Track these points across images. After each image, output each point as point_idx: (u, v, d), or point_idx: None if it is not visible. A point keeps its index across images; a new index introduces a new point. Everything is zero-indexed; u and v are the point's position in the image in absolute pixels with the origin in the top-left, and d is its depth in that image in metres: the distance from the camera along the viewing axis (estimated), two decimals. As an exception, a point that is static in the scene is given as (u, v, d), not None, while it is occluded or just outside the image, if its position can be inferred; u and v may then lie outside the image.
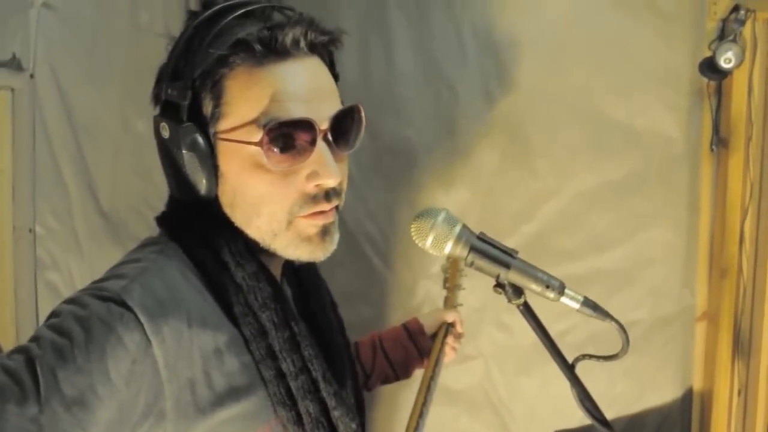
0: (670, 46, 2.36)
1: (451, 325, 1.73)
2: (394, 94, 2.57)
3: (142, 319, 0.91)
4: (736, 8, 2.24)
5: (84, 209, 2.01)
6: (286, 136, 0.98)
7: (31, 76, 1.80)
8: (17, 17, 1.76)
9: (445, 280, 1.86)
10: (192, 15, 1.04)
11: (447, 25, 2.52)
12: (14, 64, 1.75)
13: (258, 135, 0.97)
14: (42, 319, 1.80)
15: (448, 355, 1.73)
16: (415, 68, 2.56)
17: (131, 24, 2.18)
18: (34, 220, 1.84)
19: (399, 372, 1.69)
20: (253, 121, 0.98)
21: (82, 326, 0.88)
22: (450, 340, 1.72)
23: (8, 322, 1.79)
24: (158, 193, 2.23)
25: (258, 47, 0.98)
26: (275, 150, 0.98)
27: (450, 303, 1.81)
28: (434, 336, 1.71)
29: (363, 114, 1.10)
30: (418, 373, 1.69)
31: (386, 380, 1.69)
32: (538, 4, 2.44)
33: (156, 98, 1.05)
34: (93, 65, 2.03)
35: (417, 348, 1.69)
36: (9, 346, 1.77)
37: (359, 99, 2.50)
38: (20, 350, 0.87)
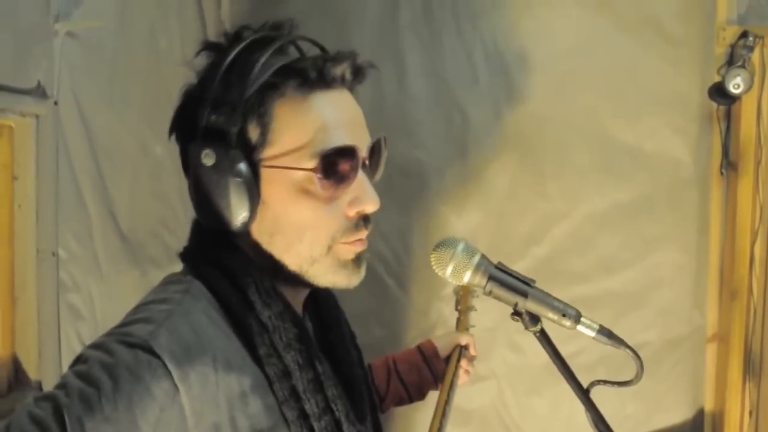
0: (679, 70, 2.39)
1: (465, 347, 1.73)
2: (407, 117, 2.61)
3: (170, 366, 0.91)
4: (744, 34, 2.28)
5: (104, 232, 2.05)
6: (333, 162, 1.00)
7: (55, 103, 1.84)
8: (42, 46, 1.80)
9: (457, 302, 1.87)
10: (212, 46, 1.06)
11: (458, 50, 2.57)
12: (39, 92, 1.79)
13: (308, 161, 0.99)
14: (64, 340, 1.85)
15: (462, 378, 1.72)
16: (427, 92, 2.60)
17: (150, 50, 2.23)
18: (57, 243, 1.87)
19: (413, 394, 1.69)
20: (303, 147, 1.00)
21: (109, 374, 0.88)
22: (464, 363, 1.72)
23: (31, 344, 1.81)
24: (175, 216, 2.28)
25: (312, 75, 1.01)
26: (323, 176, 1.00)
27: (462, 325, 1.82)
28: (448, 358, 1.71)
29: (386, 145, 1.13)
30: (432, 395, 1.70)
31: (400, 402, 1.69)
32: (548, 30, 2.48)
33: (187, 126, 1.05)
34: (114, 91, 2.07)
35: (431, 371, 1.69)
36: (32, 367, 1.81)
37: (372, 122, 2.55)
38: (47, 398, 0.88)
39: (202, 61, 1.07)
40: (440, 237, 1.16)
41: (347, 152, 1.01)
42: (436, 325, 2.60)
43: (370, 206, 1.04)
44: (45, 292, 1.84)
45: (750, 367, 2.37)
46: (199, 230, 1.11)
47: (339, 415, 1.06)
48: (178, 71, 1.08)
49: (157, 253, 2.22)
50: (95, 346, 0.94)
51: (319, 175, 1.00)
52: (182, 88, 1.07)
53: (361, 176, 1.04)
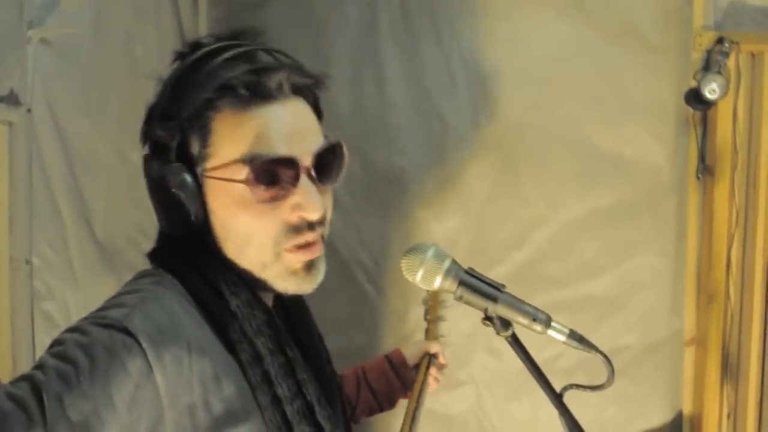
0: (657, 77, 2.41)
1: (434, 356, 1.75)
2: (386, 124, 2.62)
3: (145, 345, 0.93)
4: (720, 40, 2.30)
5: (79, 240, 2.03)
6: (270, 172, 1.02)
7: (29, 110, 1.82)
8: (15, 53, 1.78)
9: (426, 312, 1.88)
10: (179, 56, 1.08)
11: (437, 57, 2.57)
12: (12, 99, 1.77)
13: (243, 173, 1.01)
14: (39, 349, 1.83)
15: (431, 386, 1.74)
16: (407, 99, 2.61)
17: (126, 57, 2.22)
18: (31, 251, 1.86)
19: (383, 403, 1.70)
20: (238, 160, 1.02)
21: (85, 353, 0.90)
22: (433, 371, 1.73)
23: (5, 353, 1.79)
24: (153, 222, 2.25)
25: (243, 92, 1.02)
26: (260, 186, 1.02)
27: (432, 334, 1.83)
28: (417, 367, 1.72)
29: (345, 150, 1.12)
30: (404, 403, 1.71)
31: (371, 411, 1.70)
32: (527, 37, 2.50)
33: (145, 137, 1.09)
34: (89, 98, 2.05)
35: (400, 379, 1.71)
36: (6, 376, 1.78)
37: (352, 129, 2.58)
38: (25, 378, 0.89)
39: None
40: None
41: (282, 162, 1.03)
42: (415, 330, 2.60)
43: (312, 214, 1.05)
44: (19, 300, 1.82)
45: (728, 370, 2.38)
46: (165, 233, 1.14)
47: (311, 398, 1.08)
48: (155, 79, 1.09)
49: (134, 260, 2.20)
50: (71, 329, 0.96)
51: (253, 186, 1.02)
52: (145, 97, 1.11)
53: (303, 184, 1.05)
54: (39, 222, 1.88)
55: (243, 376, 1.04)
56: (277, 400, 1.05)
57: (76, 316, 1.97)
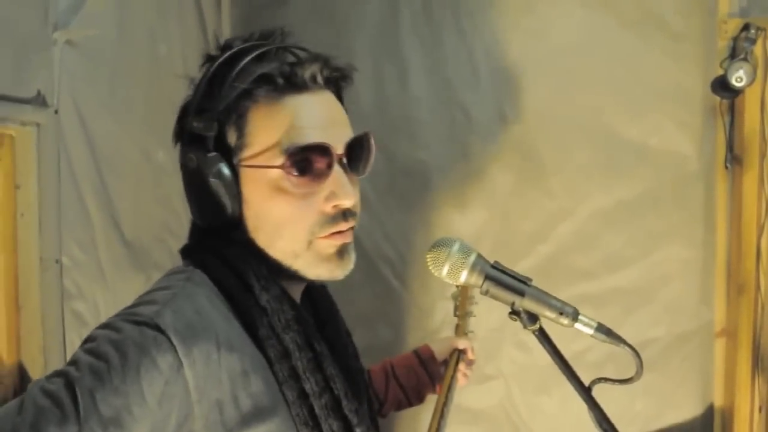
0: (681, 65, 2.39)
1: (463, 351, 1.75)
2: (409, 118, 2.62)
3: (175, 341, 0.95)
4: (746, 27, 2.27)
5: (107, 239, 2.05)
6: (306, 160, 1.05)
7: (56, 111, 1.84)
8: (41, 55, 1.80)
9: (456, 308, 1.89)
10: (210, 58, 1.12)
11: (460, 50, 2.57)
12: (39, 101, 1.79)
13: (279, 159, 1.05)
14: (69, 348, 1.85)
15: (460, 382, 1.75)
16: (429, 92, 2.61)
17: (150, 57, 2.24)
18: (60, 251, 1.88)
19: (411, 398, 1.71)
20: (274, 146, 1.05)
21: (117, 349, 0.92)
22: (462, 366, 1.74)
23: (36, 353, 1.82)
24: (179, 220, 2.28)
25: (280, 80, 1.06)
26: (295, 173, 1.05)
27: (461, 330, 1.83)
28: (446, 362, 1.73)
29: (373, 141, 1.16)
30: (433, 398, 1.71)
31: (400, 406, 1.71)
32: (549, 28, 2.48)
33: (180, 133, 1.12)
34: (114, 98, 2.07)
35: (429, 374, 1.72)
36: (38, 375, 1.81)
37: (375, 123, 2.58)
38: (59, 374, 0.92)
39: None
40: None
41: (317, 149, 1.06)
42: (441, 325, 2.60)
43: (346, 201, 1.08)
44: (49, 300, 1.84)
45: (759, 362, 2.36)
46: (197, 228, 1.17)
47: (338, 393, 1.09)
48: (179, 77, 1.12)
49: (161, 258, 2.22)
50: (103, 326, 0.99)
51: (289, 172, 1.05)
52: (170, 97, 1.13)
53: (337, 172, 1.08)
54: (68, 222, 1.90)
55: (271, 371, 1.05)
56: (304, 395, 1.06)
57: (105, 315, 1.99)
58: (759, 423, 2.38)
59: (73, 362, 0.93)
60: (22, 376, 1.81)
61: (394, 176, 2.63)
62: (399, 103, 2.63)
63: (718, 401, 2.44)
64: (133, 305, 1.02)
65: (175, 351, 0.95)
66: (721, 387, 2.44)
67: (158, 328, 0.95)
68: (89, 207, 1.99)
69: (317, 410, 1.06)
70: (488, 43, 2.55)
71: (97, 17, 1.97)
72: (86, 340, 0.97)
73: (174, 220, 2.28)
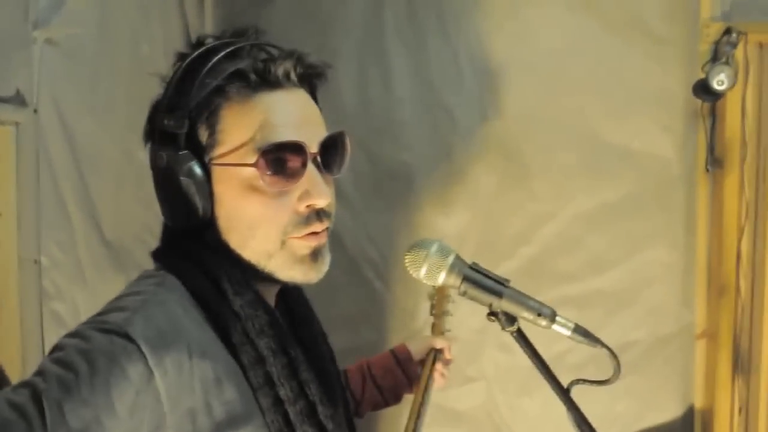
0: (664, 68, 2.39)
1: (440, 351, 1.74)
2: (393, 119, 2.61)
3: (145, 350, 0.93)
4: (728, 31, 2.28)
5: (87, 239, 2.04)
6: (279, 158, 1.04)
7: (35, 110, 1.83)
8: (20, 53, 1.79)
9: (432, 307, 1.88)
10: (183, 56, 1.10)
11: (444, 52, 2.57)
12: (18, 100, 1.78)
13: (252, 157, 1.03)
14: (48, 348, 1.83)
15: (437, 382, 1.73)
16: (413, 94, 2.60)
17: (132, 56, 2.22)
18: (39, 251, 1.87)
19: (388, 398, 1.70)
20: (247, 144, 1.03)
21: (86, 359, 0.90)
22: (439, 366, 1.73)
23: (14, 353, 1.81)
24: (160, 221, 2.27)
25: (253, 77, 1.05)
26: (269, 172, 1.03)
27: (438, 329, 1.82)
28: (423, 362, 1.72)
29: (348, 140, 1.14)
30: (410, 397, 1.70)
31: (376, 406, 1.70)
32: (533, 31, 2.48)
33: (150, 131, 1.10)
34: (95, 97, 2.06)
35: (405, 374, 1.70)
36: (15, 375, 1.80)
37: (358, 125, 2.58)
38: (25, 384, 0.89)
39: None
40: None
41: (290, 147, 1.04)
42: (424, 326, 2.58)
43: (320, 201, 1.07)
44: (28, 300, 1.83)
45: (739, 364, 2.37)
46: (169, 230, 1.15)
47: (313, 398, 1.08)
48: (152, 76, 1.11)
49: (142, 259, 2.19)
50: (71, 334, 0.96)
51: (262, 170, 1.03)
52: (147, 96, 1.13)
53: (310, 171, 1.06)
54: (47, 222, 1.89)
55: (245, 378, 1.04)
56: (279, 402, 1.05)
57: (84, 316, 1.96)
58: (739, 424, 2.39)
59: (40, 372, 0.91)
60: (-1, 377, 1.81)
61: (378, 178, 2.63)
62: (383, 104, 2.62)
63: (699, 403, 2.46)
64: (103, 312, 1.00)
65: (146, 360, 0.93)
66: (701, 389, 2.45)
67: (128, 337, 0.93)
68: (69, 207, 1.98)
69: (292, 416, 1.05)
70: (472, 45, 2.55)
71: (78, 16, 1.97)
72: (54, 349, 0.95)
73: (155, 220, 2.24)
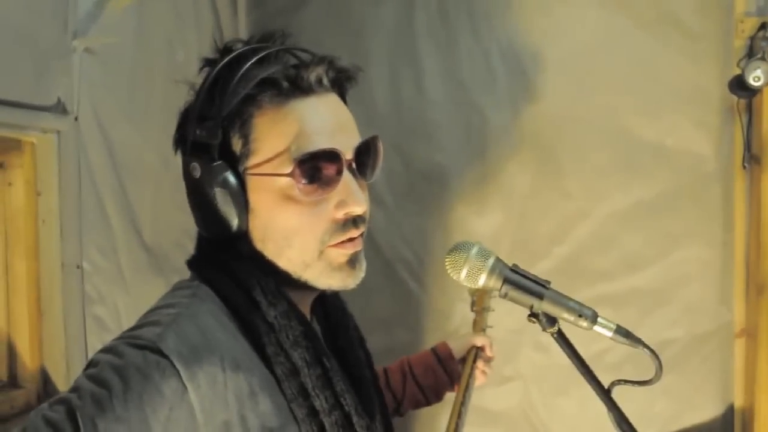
0: (698, 64, 2.38)
1: (480, 349, 1.72)
2: (425, 120, 2.62)
3: (178, 365, 0.93)
4: (763, 26, 2.25)
5: (128, 244, 2.07)
6: (315, 167, 1.02)
7: (76, 118, 1.86)
8: (61, 63, 1.82)
9: (473, 303, 1.85)
10: (210, 62, 1.09)
11: (475, 52, 2.57)
12: (59, 108, 1.81)
13: (288, 167, 1.01)
14: (91, 352, 1.87)
15: (479, 379, 1.72)
16: (445, 95, 2.61)
17: (168, 63, 2.26)
18: (81, 256, 1.90)
19: (429, 397, 1.69)
20: (282, 154, 1.02)
21: (119, 376, 0.91)
22: (480, 364, 1.71)
23: (59, 358, 1.84)
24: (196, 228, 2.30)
25: (285, 84, 1.03)
26: (305, 181, 1.02)
27: (478, 326, 1.81)
28: (464, 360, 1.70)
29: (381, 144, 1.13)
30: (451, 396, 1.70)
31: (417, 405, 1.69)
32: (565, 28, 2.48)
33: (181, 141, 1.10)
34: (133, 105, 2.10)
35: (446, 373, 1.69)
36: (60, 380, 1.83)
37: (391, 127, 2.60)
38: (61, 401, 0.90)
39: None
40: (462, 239, 1.17)
41: (326, 156, 1.03)
42: (459, 327, 2.61)
43: (357, 208, 1.05)
44: (71, 305, 1.86)
45: (779, 363, 2.34)
46: (203, 238, 1.14)
47: (349, 409, 1.07)
48: (187, 84, 1.11)
49: (181, 263, 2.21)
50: (105, 350, 0.97)
51: (299, 180, 1.01)
52: (181, 103, 1.11)
53: (346, 178, 1.05)
54: (88, 228, 1.92)
55: (279, 389, 1.03)
56: (314, 413, 1.04)
57: (126, 320, 2.02)
58: (780, 423, 2.36)
59: (75, 389, 0.92)
60: (44, 381, 1.84)
61: (411, 179, 2.64)
62: (415, 106, 2.63)
63: (739, 402, 2.43)
64: (137, 326, 1.00)
65: (179, 376, 0.93)
66: (741, 388, 2.42)
67: (161, 353, 0.93)
68: (109, 213, 2.01)
69: (327, 427, 1.04)
70: (504, 44, 2.55)
71: (115, 25, 1.99)
72: (89, 365, 0.96)
73: (193, 225, 2.28)
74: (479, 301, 1.84)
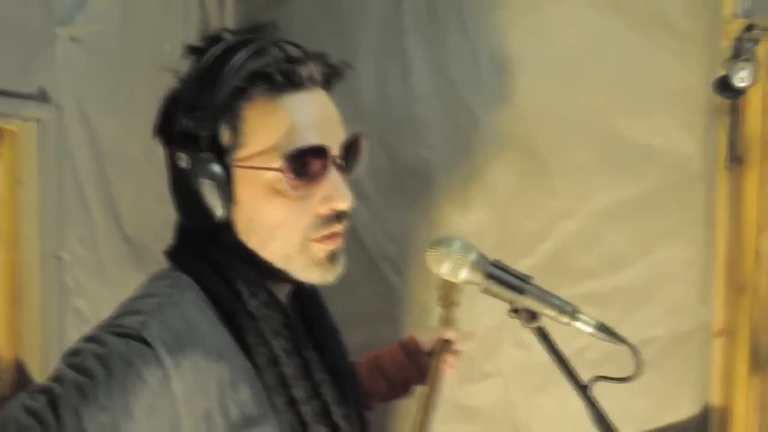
0: (685, 65, 2.38)
1: (448, 342, 1.71)
2: (412, 116, 2.61)
3: (162, 354, 0.94)
4: (749, 27, 2.26)
5: (109, 236, 2.05)
6: (303, 162, 1.04)
7: (58, 107, 1.84)
8: (44, 51, 1.81)
9: (440, 297, 1.86)
10: (195, 50, 1.09)
11: (464, 48, 2.57)
12: (41, 97, 1.80)
13: (277, 161, 1.03)
14: (68, 344, 1.84)
15: (446, 373, 1.71)
16: (433, 91, 2.60)
17: (154, 54, 2.24)
18: (61, 247, 1.88)
19: (398, 391, 1.69)
20: (272, 148, 1.03)
21: (102, 364, 0.91)
22: (448, 357, 1.70)
23: (35, 349, 1.82)
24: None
25: (279, 78, 1.04)
26: (293, 175, 1.03)
27: (446, 319, 1.81)
28: (432, 353, 1.69)
29: (364, 141, 1.14)
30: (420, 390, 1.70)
31: (386, 399, 1.70)
32: (553, 27, 2.48)
33: (165, 128, 1.11)
34: (117, 95, 2.08)
35: (415, 366, 1.69)
36: (36, 371, 1.82)
37: (378, 122, 2.59)
38: (42, 390, 0.90)
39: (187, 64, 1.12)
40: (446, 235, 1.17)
41: (315, 151, 1.05)
42: (442, 323, 2.60)
43: (342, 204, 1.07)
44: (49, 296, 1.85)
45: (757, 363, 2.36)
46: (183, 228, 1.15)
47: (327, 399, 1.09)
48: (171, 73, 1.10)
49: (162, 255, 2.22)
50: (87, 338, 0.97)
51: (287, 175, 1.03)
52: (165, 92, 1.11)
53: (332, 174, 1.07)
54: (68, 218, 1.90)
55: (258, 378, 1.04)
56: (293, 402, 1.05)
57: (105, 312, 1.98)
58: (755, 423, 2.38)
59: (57, 378, 0.92)
60: (20, 372, 1.82)
61: (397, 174, 2.63)
62: (402, 101, 2.63)
63: (716, 401, 2.44)
64: (119, 315, 1.01)
65: (162, 364, 0.93)
66: (718, 387, 2.43)
67: (144, 341, 0.94)
68: (90, 203, 1.99)
69: (306, 417, 1.06)
70: (492, 42, 2.55)
71: (101, 13, 1.98)
72: (70, 354, 0.96)
73: (175, 217, 2.29)
74: (446, 295, 1.83)
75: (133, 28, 2.15)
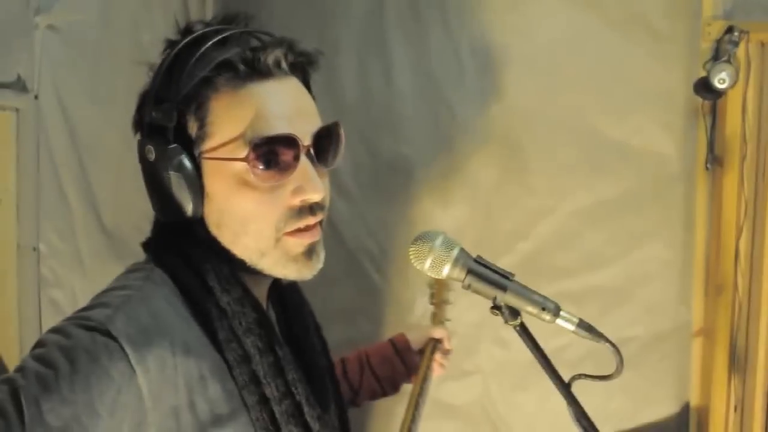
0: (665, 66, 2.39)
1: (439, 341, 1.73)
2: (393, 112, 2.61)
3: (127, 348, 0.91)
4: (730, 29, 2.27)
5: (87, 227, 2.03)
6: (271, 152, 1.00)
7: (36, 96, 1.82)
8: (22, 40, 1.78)
9: (432, 296, 1.86)
10: (171, 43, 1.06)
11: (445, 45, 2.57)
12: (19, 85, 1.77)
13: (243, 151, 0.99)
14: (45, 336, 1.83)
15: (436, 372, 1.73)
16: (414, 87, 2.60)
17: (133, 44, 2.21)
18: (38, 238, 1.86)
19: (386, 388, 1.68)
20: (238, 138, 1.00)
21: (66, 357, 0.89)
22: (438, 356, 1.72)
23: (12, 340, 1.80)
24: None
25: (242, 67, 1.01)
26: (260, 166, 1.00)
27: (437, 318, 1.81)
28: (422, 351, 1.71)
29: (342, 131, 1.11)
30: (408, 388, 1.70)
31: (374, 396, 1.68)
32: (535, 25, 2.48)
33: (138, 123, 1.08)
34: (96, 85, 2.06)
35: (404, 364, 1.69)
36: (13, 362, 1.79)
37: (358, 117, 2.58)
38: (4, 381, 0.88)
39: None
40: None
41: (283, 141, 1.01)
42: (421, 319, 2.59)
43: (314, 195, 1.03)
44: (26, 287, 1.83)
45: (735, 362, 2.37)
46: (159, 222, 1.12)
47: (300, 398, 1.06)
48: (146, 65, 1.09)
49: (140, 248, 2.21)
50: (53, 330, 0.95)
51: (254, 164, 1.00)
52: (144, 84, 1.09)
53: (303, 164, 1.03)
54: (46, 209, 1.88)
55: (230, 375, 1.02)
56: (264, 400, 1.03)
57: (83, 303, 1.98)
58: (734, 422, 2.40)
59: (20, 369, 0.90)
60: (-3, 363, 1.80)
61: (377, 170, 2.63)
62: (383, 97, 2.62)
63: (695, 400, 2.46)
64: (87, 308, 0.98)
65: (128, 358, 0.91)
66: (697, 386, 2.45)
67: (110, 335, 0.91)
68: (68, 194, 1.97)
69: (278, 415, 1.03)
70: (474, 39, 2.55)
71: (79, 2, 1.96)
72: (36, 345, 0.94)
73: (154, 210, 2.27)
74: (438, 293, 1.85)
75: (112, 18, 2.13)
